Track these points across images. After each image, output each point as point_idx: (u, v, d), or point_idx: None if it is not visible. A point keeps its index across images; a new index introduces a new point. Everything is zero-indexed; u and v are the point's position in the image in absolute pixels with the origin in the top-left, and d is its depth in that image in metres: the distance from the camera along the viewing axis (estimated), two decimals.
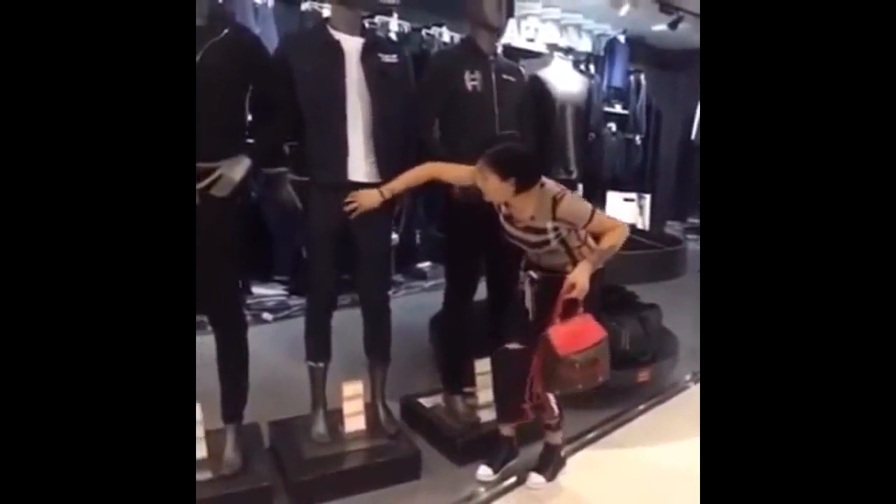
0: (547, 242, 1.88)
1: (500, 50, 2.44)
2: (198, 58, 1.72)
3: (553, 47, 6.00)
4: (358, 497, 1.98)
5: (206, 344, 2.06)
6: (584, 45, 6.20)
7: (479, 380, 2.41)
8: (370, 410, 2.23)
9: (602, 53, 6.22)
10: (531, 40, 5.42)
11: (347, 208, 1.96)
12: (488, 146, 1.84)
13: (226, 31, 1.79)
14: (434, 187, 2.41)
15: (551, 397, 2.04)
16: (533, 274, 1.98)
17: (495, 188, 1.80)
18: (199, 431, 1.93)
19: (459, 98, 2.20)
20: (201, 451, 1.93)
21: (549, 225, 1.84)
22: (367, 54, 1.99)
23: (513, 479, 2.12)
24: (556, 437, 2.14)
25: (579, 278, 1.81)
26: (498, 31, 2.28)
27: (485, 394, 2.43)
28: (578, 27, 6.18)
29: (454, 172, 1.98)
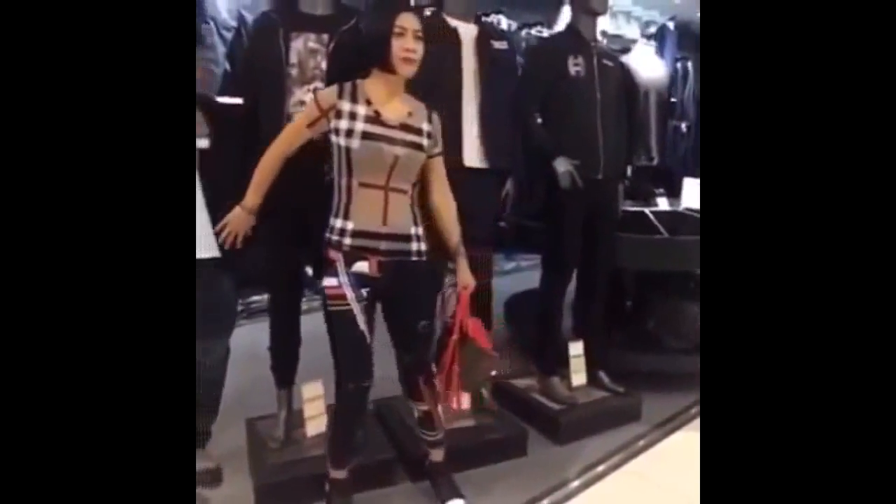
0: (420, 148, 1.62)
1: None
2: (331, 46, 1.78)
3: (603, 33, 5.98)
4: (469, 473, 2.04)
5: None
6: (633, 31, 6.17)
7: (573, 362, 2.46)
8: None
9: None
10: None
11: (223, 238, 1.67)
12: None
13: (354, 19, 1.84)
14: (527, 174, 2.44)
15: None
16: (365, 267, 1.58)
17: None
18: None
19: (563, 83, 2.22)
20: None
21: (426, 127, 1.64)
22: (481, 41, 2.03)
23: (617, 458, 2.18)
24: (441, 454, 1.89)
25: (468, 277, 1.78)
26: (599, 17, 2.30)
27: (579, 376, 2.49)
28: (628, 14, 6.16)
29: (285, 140, 1.63)
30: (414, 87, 1.90)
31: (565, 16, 5.15)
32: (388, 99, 1.60)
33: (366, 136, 1.55)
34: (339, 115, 1.56)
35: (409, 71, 1.57)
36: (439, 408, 1.80)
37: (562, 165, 2.18)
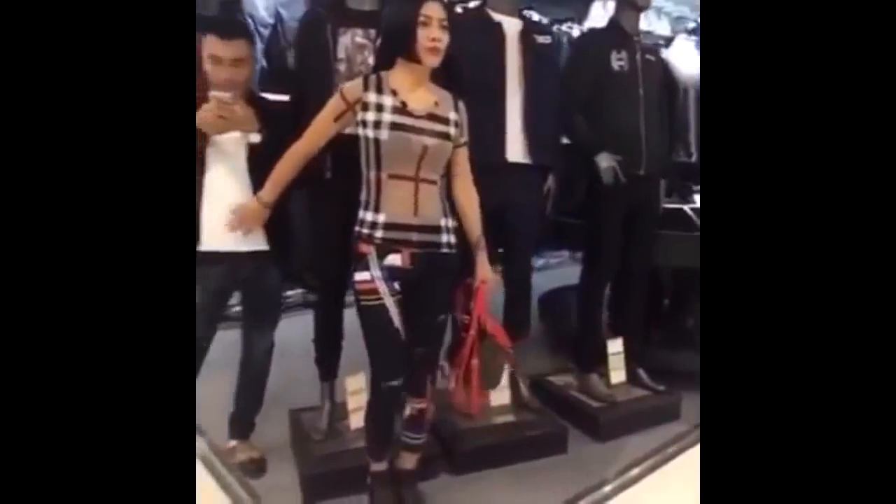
0: (448, 137, 1.59)
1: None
2: (378, 41, 1.79)
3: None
4: (509, 468, 2.04)
5: None
6: (663, 27, 6.10)
7: (612, 360, 2.44)
8: (511, 386, 2.29)
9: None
10: None
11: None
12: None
13: None
14: (566, 170, 2.43)
15: None
16: (398, 260, 1.55)
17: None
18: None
19: (606, 78, 2.21)
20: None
21: (452, 116, 1.61)
22: (525, 36, 2.02)
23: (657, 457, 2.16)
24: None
25: (488, 272, 1.72)
26: (642, 11, 2.28)
27: (617, 374, 2.47)
28: (658, 10, 6.09)
29: (313, 136, 1.60)
30: (457, 82, 1.90)
31: (596, 11, 5.11)
32: (413, 89, 1.57)
33: (394, 126, 1.52)
34: (365, 107, 1.53)
35: (434, 61, 1.53)
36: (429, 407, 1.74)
37: (604, 161, 2.17)
